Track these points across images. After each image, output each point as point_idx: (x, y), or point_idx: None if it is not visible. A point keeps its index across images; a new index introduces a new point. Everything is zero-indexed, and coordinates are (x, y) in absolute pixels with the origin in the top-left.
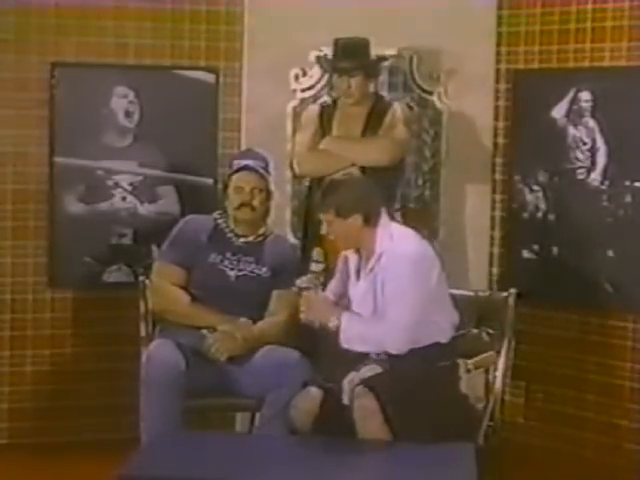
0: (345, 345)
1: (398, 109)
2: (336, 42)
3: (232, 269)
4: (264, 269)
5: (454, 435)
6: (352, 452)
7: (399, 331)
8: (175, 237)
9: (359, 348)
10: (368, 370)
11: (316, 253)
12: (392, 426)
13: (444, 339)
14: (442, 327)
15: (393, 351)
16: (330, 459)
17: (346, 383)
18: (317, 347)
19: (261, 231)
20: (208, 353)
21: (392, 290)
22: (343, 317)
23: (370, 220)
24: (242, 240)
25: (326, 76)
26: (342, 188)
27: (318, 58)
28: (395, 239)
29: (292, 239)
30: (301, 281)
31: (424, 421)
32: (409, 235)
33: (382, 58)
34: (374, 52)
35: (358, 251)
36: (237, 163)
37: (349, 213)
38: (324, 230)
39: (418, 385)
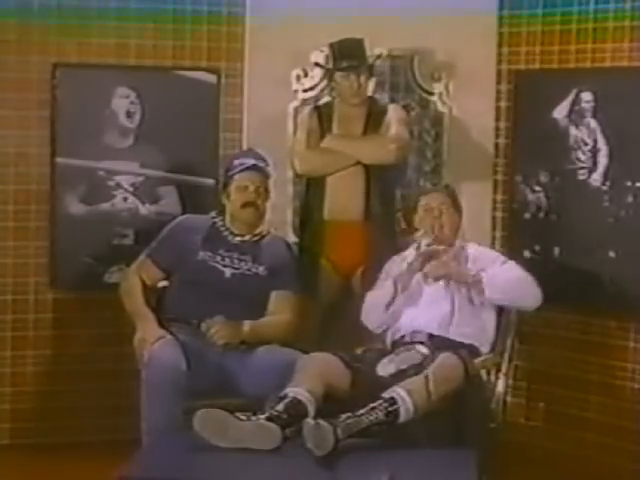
0: (490, 295)
1: (396, 110)
2: (333, 44)
3: (225, 266)
4: (261, 268)
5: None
6: (352, 455)
7: (532, 283)
8: (163, 237)
9: (500, 298)
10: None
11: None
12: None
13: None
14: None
15: (531, 303)
16: (330, 461)
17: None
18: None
19: (258, 231)
20: (206, 336)
21: (504, 262)
22: (484, 273)
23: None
24: (238, 239)
25: (327, 77)
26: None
27: (322, 60)
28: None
29: (293, 239)
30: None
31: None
32: None
33: (379, 57)
34: (375, 52)
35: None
36: (241, 162)
37: (459, 208)
38: (432, 216)
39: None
